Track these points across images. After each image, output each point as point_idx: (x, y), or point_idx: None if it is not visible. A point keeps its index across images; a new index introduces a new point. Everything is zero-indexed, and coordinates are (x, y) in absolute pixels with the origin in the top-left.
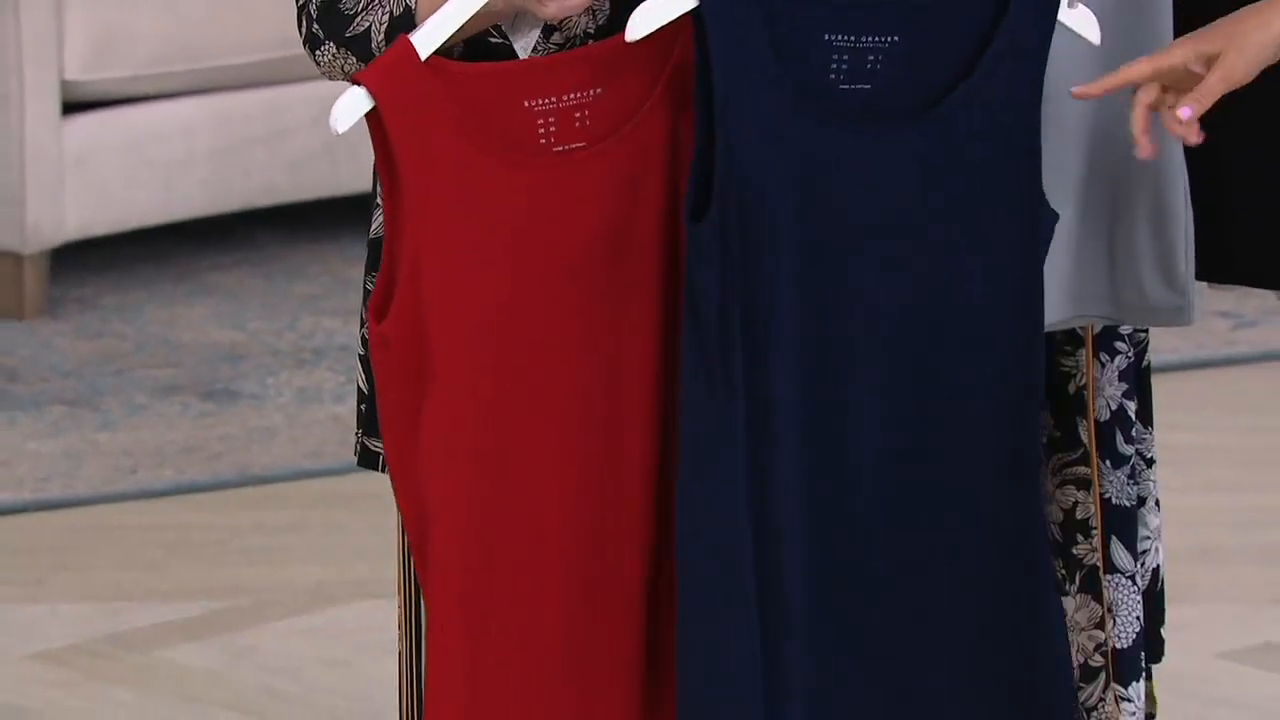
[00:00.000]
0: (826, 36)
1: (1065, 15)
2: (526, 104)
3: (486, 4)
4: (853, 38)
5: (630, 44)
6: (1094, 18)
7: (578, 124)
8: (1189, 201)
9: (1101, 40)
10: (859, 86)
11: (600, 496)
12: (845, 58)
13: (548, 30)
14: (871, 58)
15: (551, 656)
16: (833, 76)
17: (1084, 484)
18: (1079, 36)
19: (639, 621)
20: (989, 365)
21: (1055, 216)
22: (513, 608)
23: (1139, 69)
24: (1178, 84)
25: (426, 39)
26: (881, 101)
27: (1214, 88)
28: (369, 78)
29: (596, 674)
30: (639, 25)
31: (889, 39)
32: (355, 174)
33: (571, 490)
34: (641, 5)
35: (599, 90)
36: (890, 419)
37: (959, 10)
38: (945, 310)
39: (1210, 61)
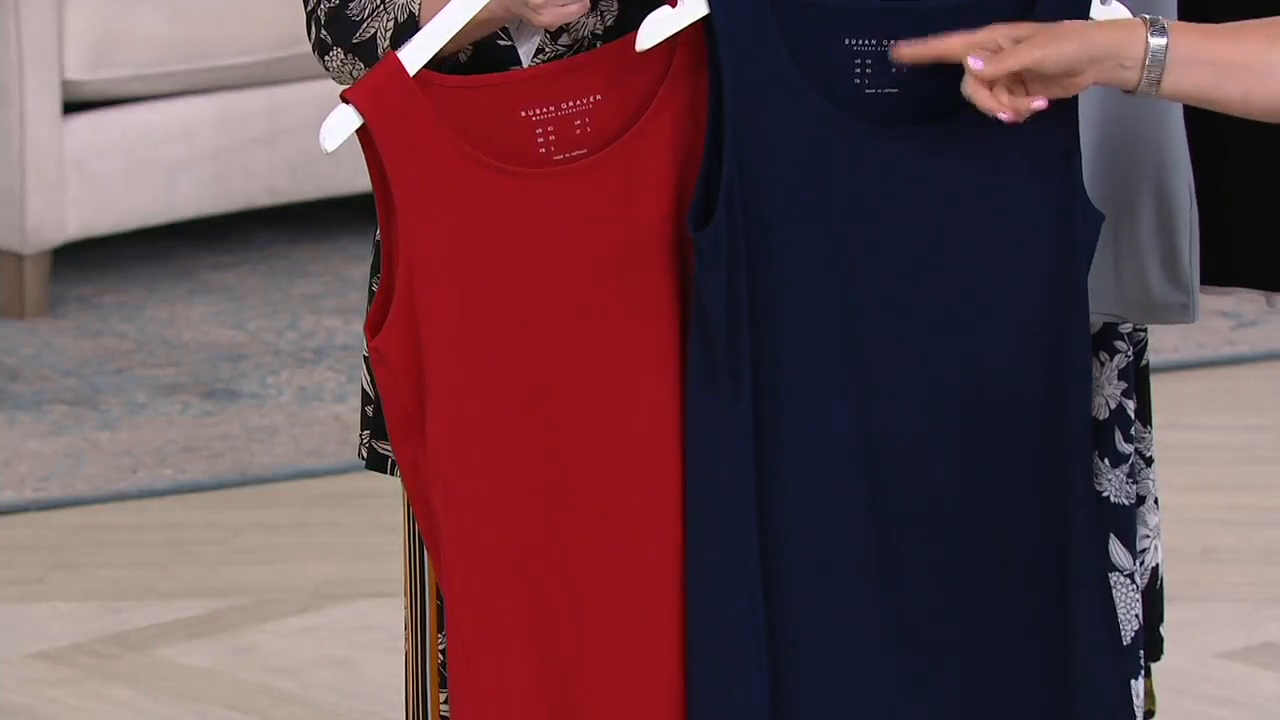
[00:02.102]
0: (847, 41)
1: (1099, 12)
2: (524, 114)
3: (486, 11)
4: (875, 42)
5: (628, 48)
6: (1128, 14)
7: (579, 131)
8: (1194, 200)
9: None
10: (886, 90)
11: (606, 505)
12: (869, 62)
13: (556, 32)
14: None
15: (563, 655)
16: (857, 81)
17: None
18: None
19: (656, 620)
20: (1024, 365)
21: (1100, 217)
22: (527, 611)
23: (953, 42)
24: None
25: (414, 54)
26: (910, 103)
27: (1018, 55)
28: (357, 95)
29: (612, 672)
30: (648, 35)
31: (915, 42)
32: (355, 173)
33: (579, 498)
34: (651, 15)
35: (599, 96)
36: (927, 415)
37: (987, 9)
38: (978, 312)
39: (1019, 38)
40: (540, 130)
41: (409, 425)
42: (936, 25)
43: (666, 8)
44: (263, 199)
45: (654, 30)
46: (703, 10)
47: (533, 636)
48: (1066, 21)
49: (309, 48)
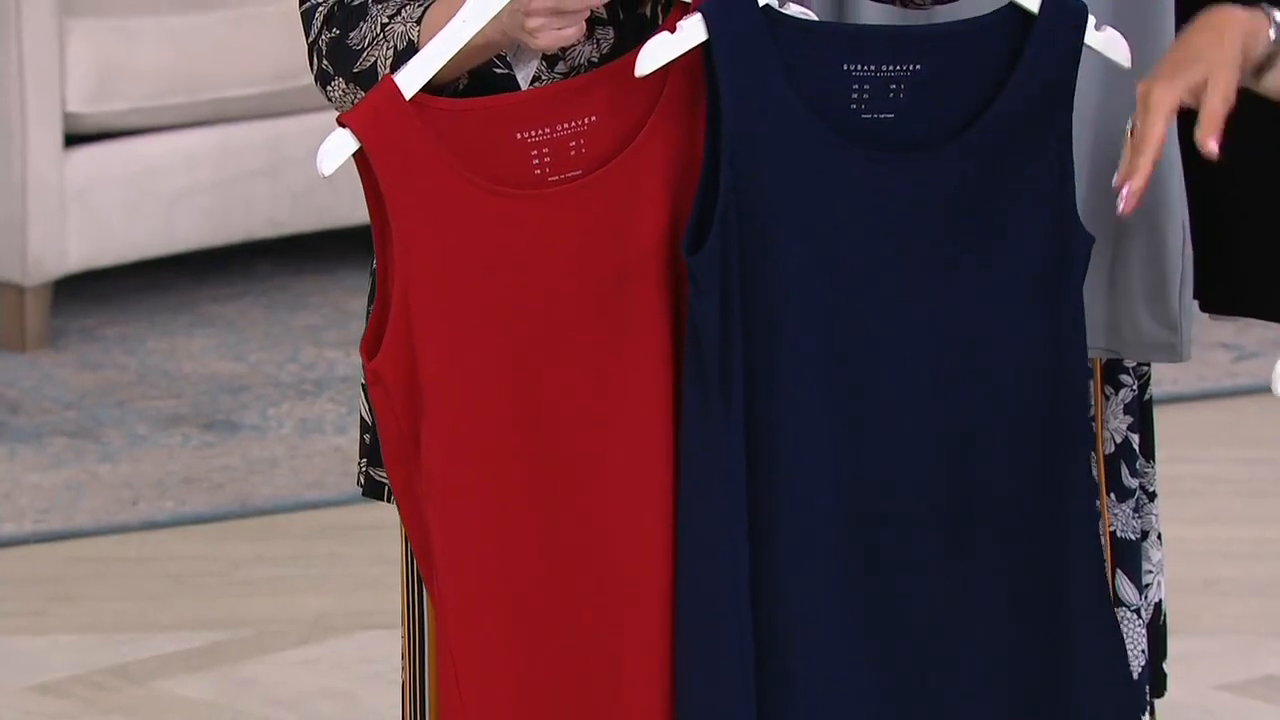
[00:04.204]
0: (845, 66)
1: (1093, 38)
2: (519, 136)
3: (483, 36)
4: (872, 67)
5: (626, 71)
6: (1123, 40)
7: (573, 153)
8: (1188, 240)
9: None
10: (883, 115)
11: (599, 526)
12: (866, 87)
13: (552, 60)
14: (894, 86)
15: (554, 675)
16: (854, 106)
17: None
18: (1108, 60)
19: (648, 642)
20: (1023, 389)
21: (1090, 240)
22: (518, 634)
23: (1154, 134)
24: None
25: (411, 78)
26: (906, 129)
27: (1219, 110)
28: (353, 119)
29: (607, 695)
30: (648, 60)
31: (910, 67)
32: (356, 205)
33: (572, 522)
34: (650, 40)
35: (594, 118)
36: (920, 444)
37: (981, 36)
38: (974, 337)
39: (1199, 91)
40: (535, 152)
41: (404, 446)
42: (934, 49)
43: (666, 33)
44: (263, 231)
45: (654, 55)
46: (702, 35)
47: (524, 657)
48: (1194, 39)
49: (309, 79)
